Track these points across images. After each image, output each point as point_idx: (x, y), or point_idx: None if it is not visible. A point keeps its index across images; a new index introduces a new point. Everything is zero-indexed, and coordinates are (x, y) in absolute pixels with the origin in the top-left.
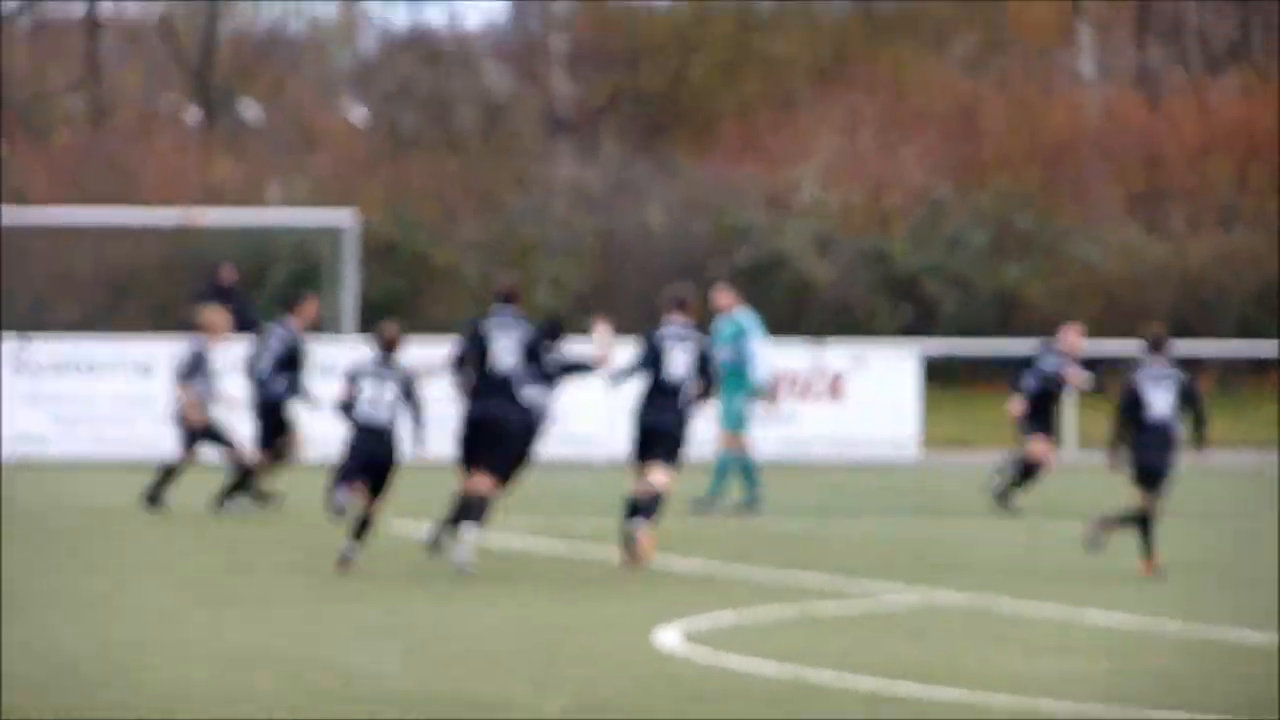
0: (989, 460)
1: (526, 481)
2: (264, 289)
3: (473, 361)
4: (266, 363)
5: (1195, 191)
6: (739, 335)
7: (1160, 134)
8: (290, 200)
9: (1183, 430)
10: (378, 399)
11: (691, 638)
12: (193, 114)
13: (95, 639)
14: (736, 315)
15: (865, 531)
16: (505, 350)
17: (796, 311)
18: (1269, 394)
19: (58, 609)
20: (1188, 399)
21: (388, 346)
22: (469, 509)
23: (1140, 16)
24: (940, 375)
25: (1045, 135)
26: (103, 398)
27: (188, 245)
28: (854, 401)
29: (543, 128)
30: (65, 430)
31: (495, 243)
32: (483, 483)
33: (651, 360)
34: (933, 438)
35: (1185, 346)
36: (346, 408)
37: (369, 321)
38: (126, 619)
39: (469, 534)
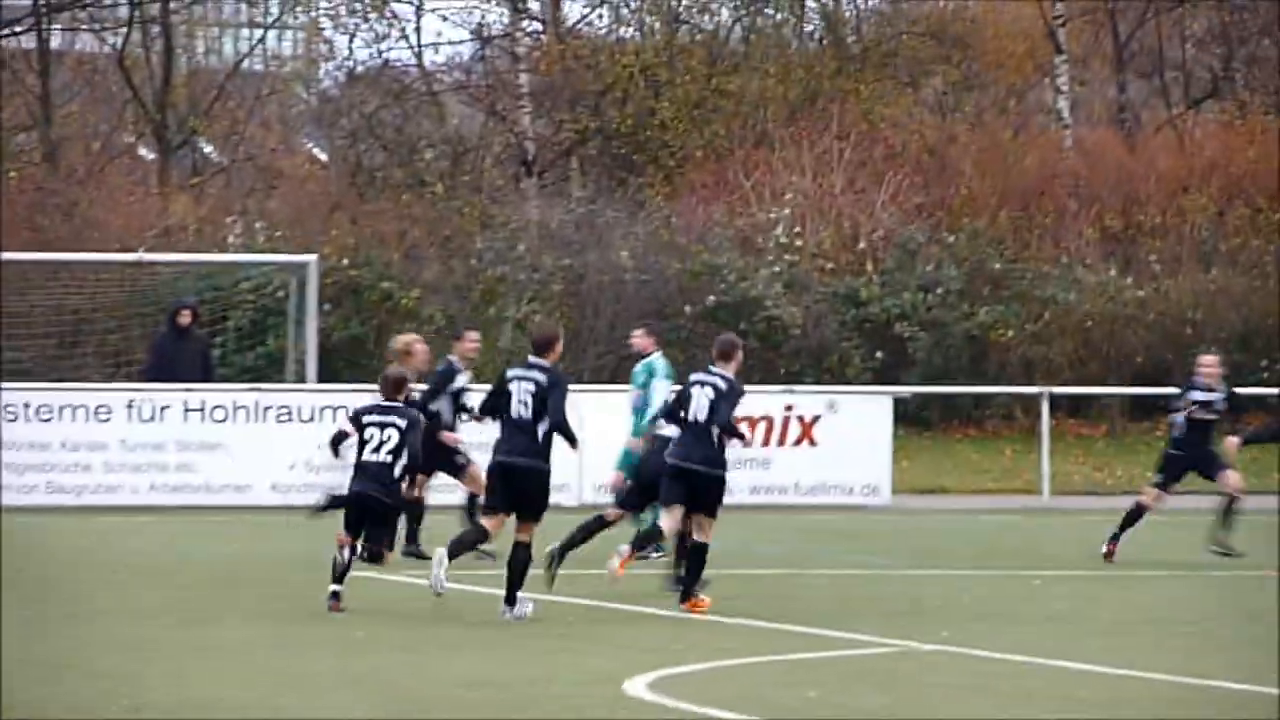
0: (961, 505)
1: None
2: (224, 332)
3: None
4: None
5: (1173, 231)
6: (649, 379)
7: (1137, 172)
8: (250, 241)
9: None
10: (379, 443)
11: (663, 688)
12: (149, 152)
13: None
14: (652, 359)
15: (838, 579)
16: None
17: (768, 354)
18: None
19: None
20: None
21: (393, 390)
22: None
23: (1118, 53)
24: (912, 419)
25: (1019, 175)
26: (55, 444)
27: (145, 287)
28: (826, 447)
29: (509, 167)
30: (15, 477)
31: (460, 284)
32: (496, 526)
33: (678, 404)
34: (904, 483)
35: (1163, 389)
36: (338, 443)
37: (330, 365)
38: None
39: (443, 562)
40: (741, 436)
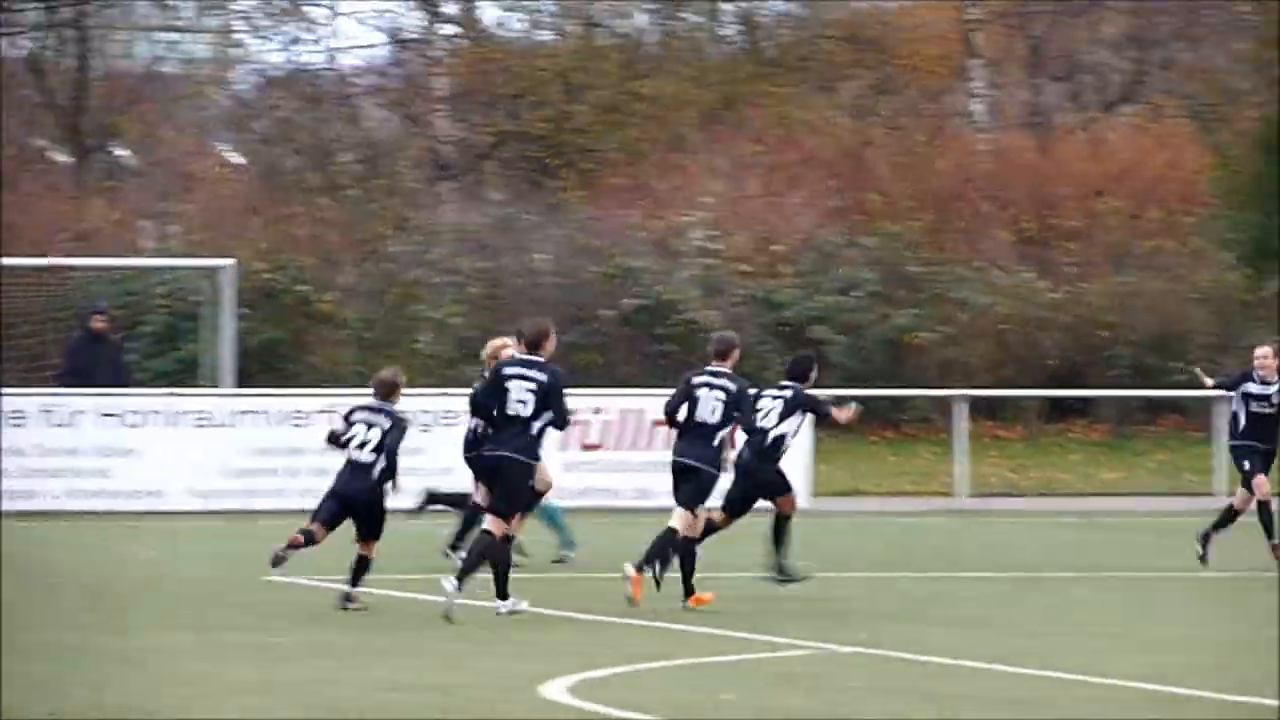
0: (879, 508)
1: (416, 532)
2: (139, 336)
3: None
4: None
5: (1088, 234)
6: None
7: (1052, 175)
8: (165, 245)
9: None
10: (362, 441)
11: (582, 691)
12: (64, 156)
13: None
14: None
15: (756, 582)
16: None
17: (686, 357)
18: (1163, 439)
19: None
20: None
21: (386, 392)
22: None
23: (1032, 57)
24: (830, 423)
25: (935, 178)
26: None
27: (59, 292)
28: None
29: (425, 170)
30: None
31: (377, 288)
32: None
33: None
34: (822, 486)
35: (1082, 392)
36: (334, 441)
37: (247, 370)
38: None
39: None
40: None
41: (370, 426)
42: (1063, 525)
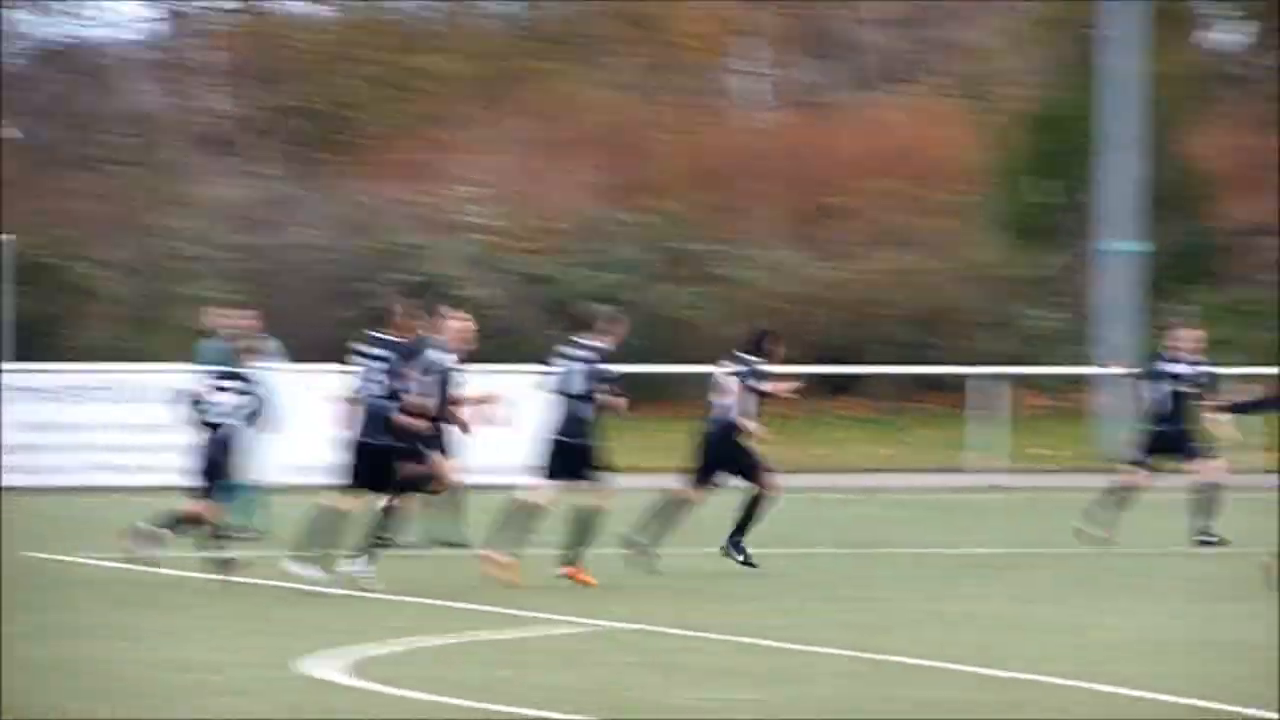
0: (656, 484)
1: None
2: None
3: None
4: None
5: (862, 212)
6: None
7: (826, 154)
8: None
9: None
10: (227, 405)
11: (358, 669)
12: None
13: None
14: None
15: (537, 559)
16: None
17: None
18: (934, 416)
19: None
20: None
21: (245, 354)
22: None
23: (808, 35)
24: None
25: (708, 156)
26: None
27: None
28: (523, 428)
29: (198, 146)
30: None
31: (149, 263)
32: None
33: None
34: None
35: (854, 369)
36: (195, 407)
37: (19, 345)
38: None
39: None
40: (612, 405)
41: (222, 391)
42: (833, 501)
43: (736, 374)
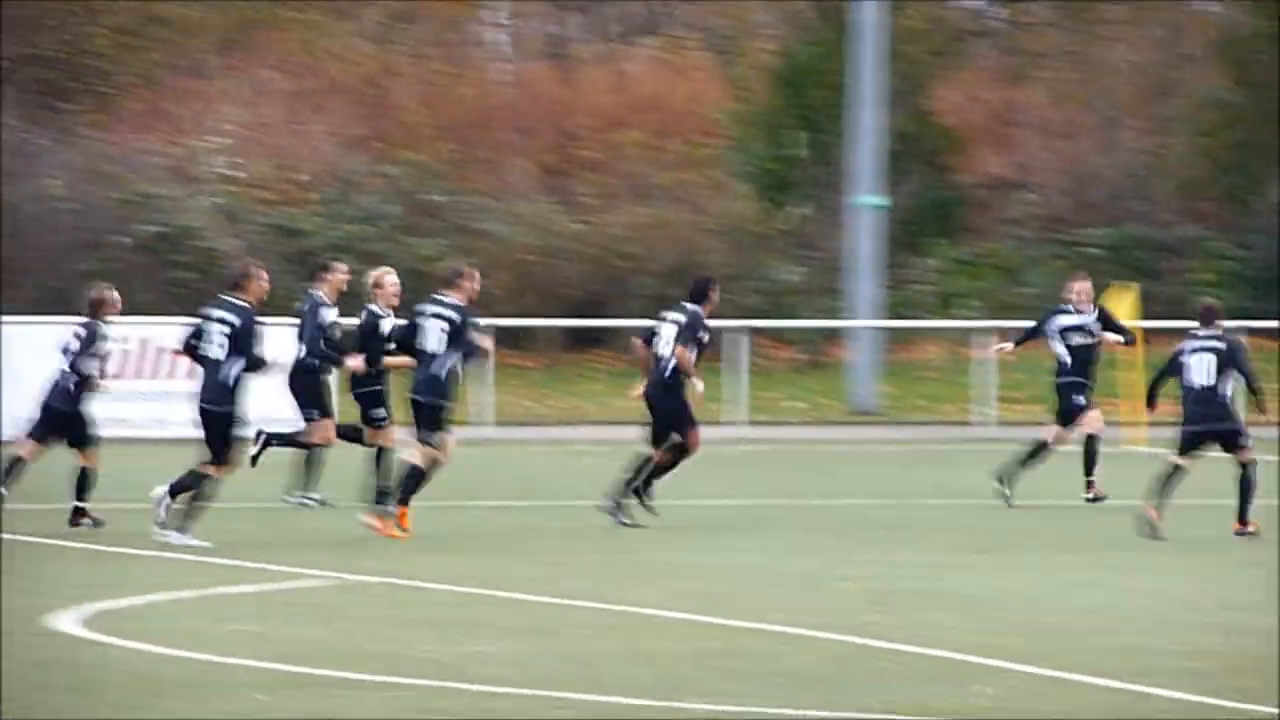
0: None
1: None
2: None
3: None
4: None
5: (609, 165)
6: None
7: (574, 107)
8: None
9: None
10: (70, 357)
11: (95, 624)
12: None
13: None
14: None
15: (274, 511)
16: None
17: (203, 285)
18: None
19: None
20: (1233, 366)
21: (92, 310)
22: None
23: None
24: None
25: (457, 108)
26: None
27: None
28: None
29: None
30: None
31: None
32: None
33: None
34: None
35: (603, 322)
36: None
37: None
38: None
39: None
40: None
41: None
42: (585, 453)
43: (677, 324)
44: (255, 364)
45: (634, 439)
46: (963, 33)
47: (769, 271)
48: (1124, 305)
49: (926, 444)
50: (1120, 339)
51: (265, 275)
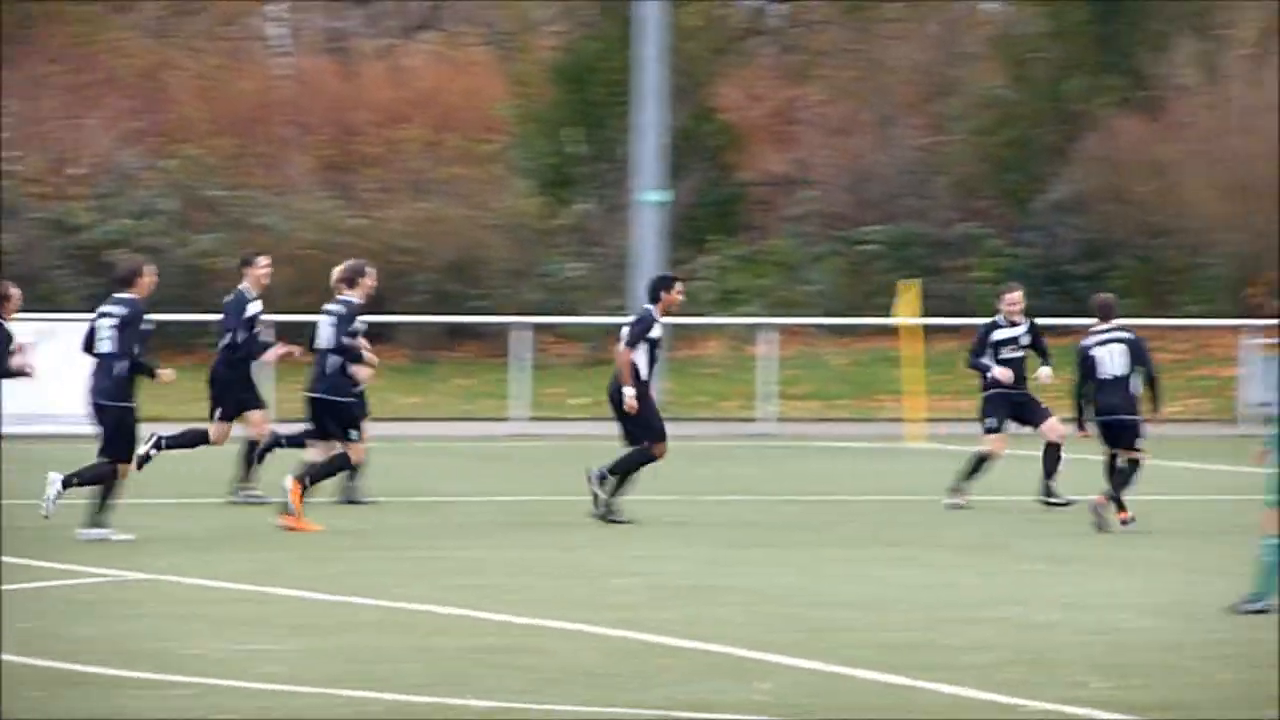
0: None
1: None
2: None
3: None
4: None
5: (388, 160)
6: None
7: (353, 102)
8: None
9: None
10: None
11: None
12: None
13: None
14: None
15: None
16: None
17: None
18: (461, 364)
19: None
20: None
21: None
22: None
23: None
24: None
25: (236, 102)
26: None
27: None
28: (43, 376)
29: None
30: None
31: None
32: None
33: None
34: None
35: (377, 318)
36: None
37: None
38: None
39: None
40: (359, 360)
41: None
42: (367, 450)
43: (630, 326)
44: (136, 365)
45: (417, 435)
46: (744, 30)
47: (552, 268)
48: (907, 302)
49: (708, 440)
50: (1044, 363)
51: (154, 271)
